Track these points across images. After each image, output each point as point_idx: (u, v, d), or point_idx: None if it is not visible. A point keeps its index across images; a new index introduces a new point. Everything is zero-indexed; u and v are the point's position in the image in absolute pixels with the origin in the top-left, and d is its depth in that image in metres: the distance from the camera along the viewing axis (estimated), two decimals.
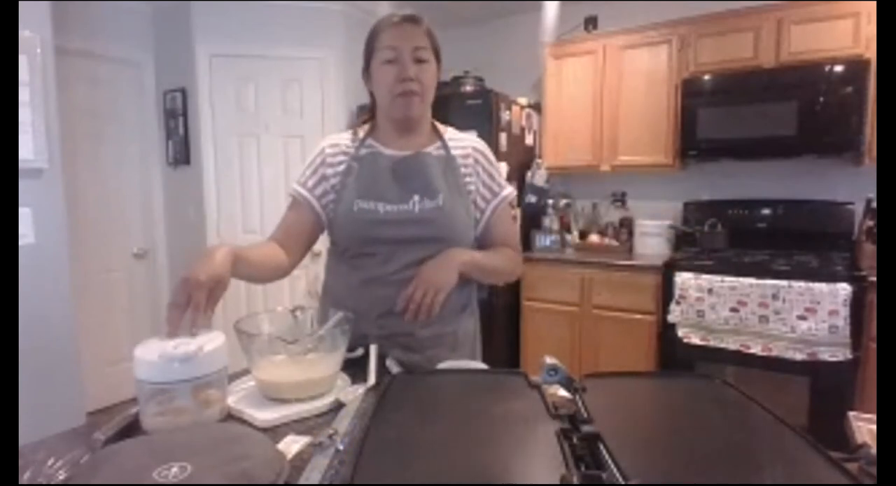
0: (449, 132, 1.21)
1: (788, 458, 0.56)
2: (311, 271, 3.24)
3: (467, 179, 1.17)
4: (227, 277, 0.87)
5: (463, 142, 1.20)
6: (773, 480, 0.52)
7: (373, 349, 1.07)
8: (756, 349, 2.31)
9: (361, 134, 1.18)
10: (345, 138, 1.19)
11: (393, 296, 1.08)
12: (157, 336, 0.81)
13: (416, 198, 1.11)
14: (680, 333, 2.48)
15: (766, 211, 2.83)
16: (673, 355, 2.54)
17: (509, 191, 1.22)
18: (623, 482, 0.49)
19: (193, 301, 0.80)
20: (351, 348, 1.07)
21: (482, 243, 1.21)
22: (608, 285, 2.78)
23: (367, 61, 1.13)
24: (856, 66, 2.35)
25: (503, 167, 2.78)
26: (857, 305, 2.14)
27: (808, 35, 2.48)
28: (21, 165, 1.85)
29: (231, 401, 0.92)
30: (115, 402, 2.52)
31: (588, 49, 3.04)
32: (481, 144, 1.22)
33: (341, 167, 1.15)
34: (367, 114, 1.22)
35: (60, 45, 2.16)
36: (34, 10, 1.89)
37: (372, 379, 0.97)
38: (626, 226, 3.19)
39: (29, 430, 0.95)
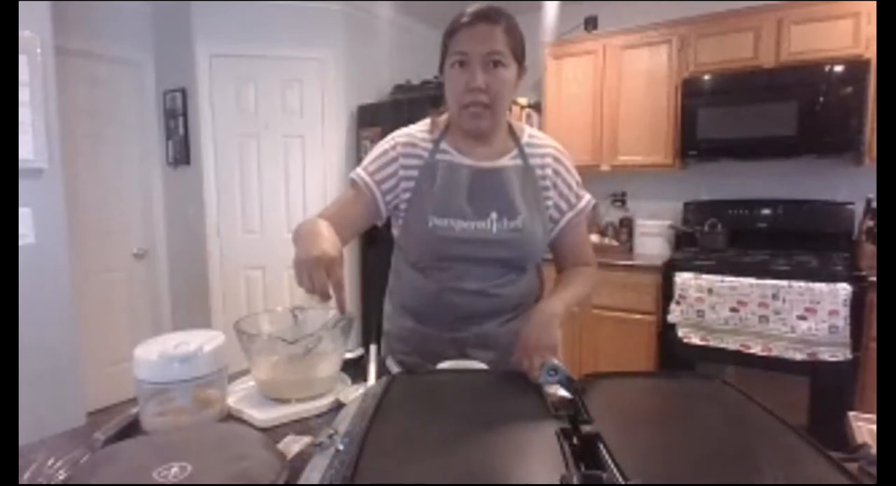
0: (526, 136, 1.14)
1: (788, 458, 0.56)
2: None
3: (546, 193, 1.12)
4: (338, 252, 0.82)
5: (541, 149, 1.13)
6: (773, 480, 0.51)
7: (373, 349, 1.07)
8: (756, 349, 2.30)
9: (437, 133, 1.12)
10: (420, 136, 1.12)
11: (467, 304, 1.09)
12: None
13: (494, 216, 1.07)
14: (680, 333, 2.48)
15: (766, 211, 2.82)
16: (673, 355, 2.54)
17: (585, 202, 1.16)
18: (623, 482, 0.49)
19: (317, 283, 0.77)
20: (428, 353, 1.09)
21: (550, 251, 1.18)
22: (608, 285, 2.77)
23: (441, 61, 1.06)
24: (856, 67, 2.35)
25: None
26: (857, 305, 2.14)
27: (808, 35, 2.48)
28: (21, 165, 1.85)
29: (231, 401, 0.92)
30: (115, 402, 2.51)
31: (588, 49, 3.04)
32: (560, 151, 1.15)
33: (415, 172, 1.09)
34: (444, 107, 1.14)
35: (60, 45, 2.16)
36: (34, 10, 1.89)
37: (372, 379, 0.97)
38: (626, 226, 3.19)
39: (29, 430, 0.95)
